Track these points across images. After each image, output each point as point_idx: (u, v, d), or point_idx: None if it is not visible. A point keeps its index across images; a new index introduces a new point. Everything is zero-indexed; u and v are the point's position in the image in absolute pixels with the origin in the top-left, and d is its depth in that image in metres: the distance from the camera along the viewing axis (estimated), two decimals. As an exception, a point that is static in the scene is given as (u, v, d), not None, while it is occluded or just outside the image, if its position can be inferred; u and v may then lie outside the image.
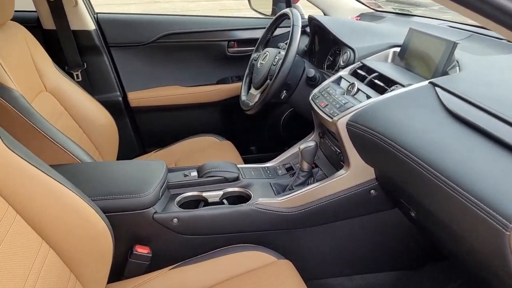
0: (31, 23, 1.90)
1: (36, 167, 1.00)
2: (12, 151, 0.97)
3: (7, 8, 1.45)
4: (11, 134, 1.34)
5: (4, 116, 1.31)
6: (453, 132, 0.92)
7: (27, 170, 0.98)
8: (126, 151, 2.07)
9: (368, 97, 1.22)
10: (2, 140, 0.97)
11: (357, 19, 2.00)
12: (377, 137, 1.05)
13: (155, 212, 1.23)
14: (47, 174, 1.01)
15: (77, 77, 1.92)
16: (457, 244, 0.92)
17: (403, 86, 1.18)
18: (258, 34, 2.11)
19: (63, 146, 1.37)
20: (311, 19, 1.77)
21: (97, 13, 2.00)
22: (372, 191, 1.24)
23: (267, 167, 1.51)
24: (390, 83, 1.24)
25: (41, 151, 1.36)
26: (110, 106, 1.89)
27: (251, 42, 2.12)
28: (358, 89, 1.28)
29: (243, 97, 1.75)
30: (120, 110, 2.04)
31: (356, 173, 1.23)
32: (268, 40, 1.81)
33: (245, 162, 1.84)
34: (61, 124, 1.60)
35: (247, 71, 1.81)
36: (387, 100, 1.14)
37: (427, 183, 0.88)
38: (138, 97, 2.06)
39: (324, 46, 1.81)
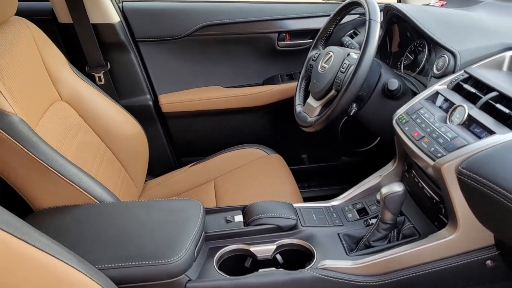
0: (45, 16, 1.61)
1: (25, 241, 0.71)
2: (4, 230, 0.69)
3: (7, 3, 1.15)
4: (7, 168, 1.08)
5: (1, 147, 1.02)
6: None
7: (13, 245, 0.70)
8: (159, 165, 1.78)
9: (489, 131, 0.85)
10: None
11: (442, 4, 1.58)
12: (509, 200, 0.69)
13: (189, 280, 0.92)
14: (45, 252, 0.72)
15: (99, 80, 1.62)
16: None
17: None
18: (315, 24, 1.73)
19: (73, 181, 1.08)
20: (388, 9, 1.38)
21: (122, 1, 1.68)
22: (489, 261, 0.89)
23: (332, 207, 1.17)
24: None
25: (45, 188, 1.08)
26: (139, 113, 1.60)
27: (306, 33, 1.75)
28: (470, 117, 0.91)
29: (298, 108, 1.41)
30: (150, 116, 1.74)
31: (467, 237, 0.88)
32: (331, 35, 1.44)
33: (297, 176, 1.51)
34: (80, 140, 1.31)
35: (302, 73, 1.45)
36: (525, 141, 0.77)
37: None
38: (171, 101, 1.74)
39: (401, 39, 1.42)
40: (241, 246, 1.04)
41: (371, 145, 1.86)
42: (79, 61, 1.56)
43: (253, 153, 1.63)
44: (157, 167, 1.77)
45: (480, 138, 0.85)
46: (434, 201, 0.98)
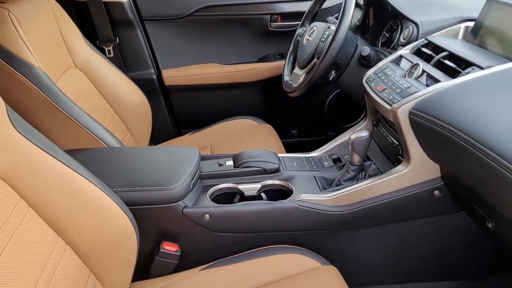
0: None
1: (52, 156, 0.88)
2: (25, 137, 0.86)
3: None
4: (31, 114, 1.25)
5: (24, 95, 1.20)
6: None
7: (41, 159, 0.87)
8: (160, 133, 1.95)
9: (436, 80, 1.03)
10: (13, 125, 0.85)
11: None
12: (449, 131, 0.86)
13: (185, 206, 1.10)
14: (65, 164, 0.89)
15: (109, 53, 1.80)
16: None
17: (481, 68, 0.97)
18: (305, 7, 1.91)
19: (88, 128, 1.25)
20: None
21: (130, -18, 1.86)
22: (436, 191, 1.06)
23: (311, 157, 1.35)
24: (463, 64, 1.04)
25: (64, 133, 1.25)
26: (144, 85, 1.77)
27: (296, 16, 1.92)
28: (423, 71, 1.08)
29: (286, 77, 1.58)
30: (154, 89, 1.92)
31: (418, 170, 1.05)
32: (316, 14, 1.62)
33: (286, 148, 1.68)
34: (91, 103, 1.48)
35: (291, 48, 1.63)
36: (462, 86, 0.94)
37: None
38: (174, 75, 1.92)
39: (379, 20, 1.60)
40: (230, 184, 1.21)
41: (356, 121, 2.04)
42: (91, 35, 1.73)
43: (246, 123, 1.80)
44: (158, 136, 1.94)
45: (428, 86, 1.02)
46: (394, 145, 1.15)
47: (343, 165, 1.26)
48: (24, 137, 0.85)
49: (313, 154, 1.37)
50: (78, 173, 0.91)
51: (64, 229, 0.90)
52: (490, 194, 0.81)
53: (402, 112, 1.02)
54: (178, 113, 2.01)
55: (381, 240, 1.17)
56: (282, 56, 1.99)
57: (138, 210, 1.05)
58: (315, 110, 2.02)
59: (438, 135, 0.90)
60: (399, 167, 1.08)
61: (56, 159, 0.88)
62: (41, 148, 0.87)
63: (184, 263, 1.13)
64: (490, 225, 0.88)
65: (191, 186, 1.12)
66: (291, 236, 1.15)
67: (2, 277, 0.71)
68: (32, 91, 1.19)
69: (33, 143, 0.86)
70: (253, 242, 1.14)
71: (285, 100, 1.95)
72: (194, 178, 1.14)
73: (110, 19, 1.77)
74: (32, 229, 0.83)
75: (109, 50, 1.80)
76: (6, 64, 1.17)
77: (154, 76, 1.91)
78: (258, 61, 1.99)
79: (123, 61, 1.85)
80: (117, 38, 1.81)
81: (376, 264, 1.21)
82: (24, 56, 1.19)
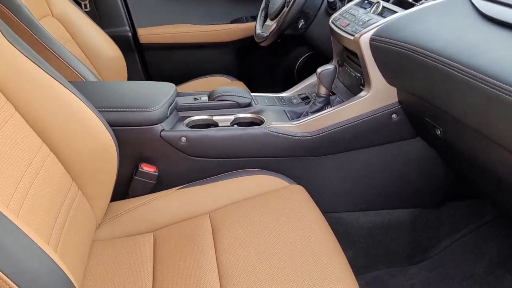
0: None
1: (40, 67, 0.94)
2: (14, 46, 0.91)
3: None
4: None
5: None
6: (489, 33, 0.84)
7: (30, 68, 0.92)
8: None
9: (394, 12, 1.13)
10: (2, 33, 0.91)
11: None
12: (403, 47, 0.97)
13: (163, 129, 1.16)
14: (52, 76, 0.95)
15: (85, 7, 1.84)
16: (489, 155, 0.84)
17: (433, -1, 1.09)
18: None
19: (68, 63, 1.30)
20: None
21: None
22: (394, 115, 1.16)
23: (281, 96, 1.44)
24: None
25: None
26: (119, 41, 1.82)
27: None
28: (384, 7, 1.19)
29: (258, 30, 1.67)
30: (129, 46, 1.97)
31: (377, 95, 1.15)
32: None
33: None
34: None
35: (263, 4, 1.72)
36: (415, 13, 1.06)
37: (461, 86, 0.80)
38: (148, 33, 1.97)
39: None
40: (205, 116, 1.29)
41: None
42: (67, -11, 1.78)
43: (218, 80, 1.88)
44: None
45: (385, 17, 1.13)
46: (357, 77, 1.25)
47: (311, 101, 1.36)
48: (15, 46, 0.91)
49: (283, 94, 1.46)
50: (64, 86, 0.97)
51: (49, 136, 0.96)
52: (438, 97, 0.91)
53: (364, 40, 1.12)
54: (152, 70, 2.07)
55: (345, 167, 1.27)
56: (254, 18, 2.07)
57: (118, 131, 1.11)
58: (285, 71, 2.11)
59: (395, 53, 1.01)
60: (361, 93, 1.18)
61: (44, 70, 0.94)
62: (29, 58, 0.93)
63: (161, 185, 1.20)
64: (439, 132, 0.99)
65: (168, 112, 1.19)
66: (262, 162, 1.23)
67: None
68: (13, 22, 1.23)
69: (22, 53, 0.92)
70: (226, 168, 1.22)
71: (257, 60, 2.04)
72: (171, 106, 1.21)
73: (87, -26, 1.81)
74: (16, 132, 0.88)
75: (85, 4, 1.84)
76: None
77: (130, 34, 1.96)
78: (231, 23, 2.07)
79: (99, 17, 1.90)
80: (93, -7, 1.85)
81: (340, 191, 1.31)
82: (7, -11, 1.24)
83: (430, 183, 1.31)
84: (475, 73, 0.76)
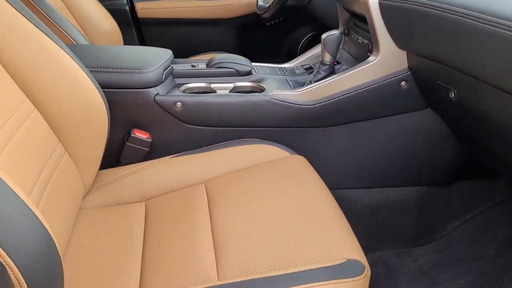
0: None
1: (30, 21, 0.87)
2: None
3: None
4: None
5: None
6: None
7: (20, 21, 0.86)
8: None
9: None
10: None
11: None
12: (416, 2, 0.90)
13: (157, 94, 1.09)
14: (43, 32, 0.89)
15: (81, -23, 1.77)
16: (506, 112, 0.77)
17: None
18: None
19: (59, 25, 1.23)
20: None
21: None
22: (403, 82, 1.09)
23: (283, 67, 1.37)
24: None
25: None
26: (116, 15, 1.75)
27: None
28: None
29: (260, 2, 1.60)
30: (126, 20, 1.90)
31: (386, 60, 1.08)
32: None
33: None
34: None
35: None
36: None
37: (481, 36, 0.73)
38: (147, 7, 1.90)
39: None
40: (203, 84, 1.22)
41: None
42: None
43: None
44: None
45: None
46: (364, 44, 1.18)
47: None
48: None
49: (285, 65, 1.39)
50: (54, 42, 0.90)
51: (34, 92, 0.89)
52: (454, 55, 0.84)
53: (373, 1, 1.05)
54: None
55: (349, 139, 1.20)
56: (257, -5, 2.00)
57: (109, 93, 1.04)
58: (288, 50, 2.04)
59: (407, 11, 0.94)
60: (369, 59, 1.11)
61: (35, 25, 0.88)
62: (18, 11, 0.86)
63: (155, 154, 1.13)
64: (453, 95, 0.92)
65: (163, 76, 1.12)
66: (261, 133, 1.16)
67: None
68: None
69: (10, 4, 0.85)
70: (224, 137, 1.15)
71: (259, 39, 1.97)
72: (167, 70, 1.14)
73: None
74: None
75: (81, -26, 1.76)
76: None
77: (127, 8, 1.89)
78: (232, -1, 2.00)
79: (96, -12, 1.82)
80: (89, -37, 1.78)
81: (344, 166, 1.24)
82: None
83: (439, 159, 1.24)
84: (496, 19, 0.69)
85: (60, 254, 0.63)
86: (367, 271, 0.74)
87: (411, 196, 1.28)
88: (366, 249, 1.29)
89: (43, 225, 0.58)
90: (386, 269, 1.24)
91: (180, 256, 0.81)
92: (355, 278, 0.70)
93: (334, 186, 1.27)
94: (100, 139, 1.00)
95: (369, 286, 0.79)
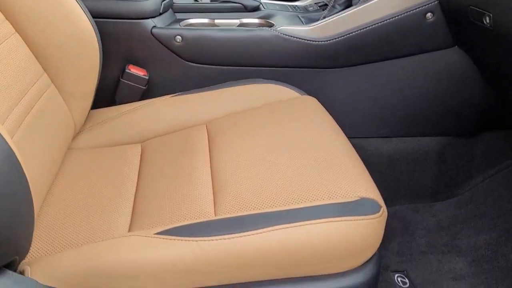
0: None
1: None
2: None
3: None
4: None
5: None
6: None
7: None
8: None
9: None
10: None
11: None
12: None
13: (154, 26, 0.99)
14: None
15: None
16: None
17: None
18: None
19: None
20: None
21: None
22: (429, 14, 0.97)
23: (295, 5, 1.25)
24: None
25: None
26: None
27: None
28: None
29: None
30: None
31: (410, -11, 0.96)
32: None
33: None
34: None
35: None
36: None
37: None
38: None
39: None
40: (206, 20, 1.11)
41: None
42: None
43: None
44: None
45: None
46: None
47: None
48: None
49: (298, 3, 1.27)
50: None
51: (14, 14, 0.80)
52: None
53: None
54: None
55: (366, 81, 1.09)
56: None
57: (102, 23, 0.95)
58: None
59: None
60: (391, -11, 0.98)
61: None
62: None
63: (152, 93, 1.04)
64: (488, 20, 0.80)
65: (162, 8, 1.02)
66: (270, 73, 1.06)
67: None
68: None
69: None
70: (228, 77, 1.05)
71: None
72: (166, 1, 1.04)
73: None
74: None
75: None
76: None
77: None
78: None
79: None
80: None
81: (360, 112, 1.13)
82: None
83: (465, 106, 1.13)
84: None
85: (38, 189, 0.55)
86: (384, 211, 0.65)
87: (432, 147, 1.17)
88: (381, 202, 1.20)
89: (4, 139, 0.49)
90: (402, 224, 1.15)
91: (176, 195, 0.73)
92: (370, 216, 0.61)
93: (348, 134, 1.16)
94: (92, 72, 0.91)
95: (383, 240, 0.69)
